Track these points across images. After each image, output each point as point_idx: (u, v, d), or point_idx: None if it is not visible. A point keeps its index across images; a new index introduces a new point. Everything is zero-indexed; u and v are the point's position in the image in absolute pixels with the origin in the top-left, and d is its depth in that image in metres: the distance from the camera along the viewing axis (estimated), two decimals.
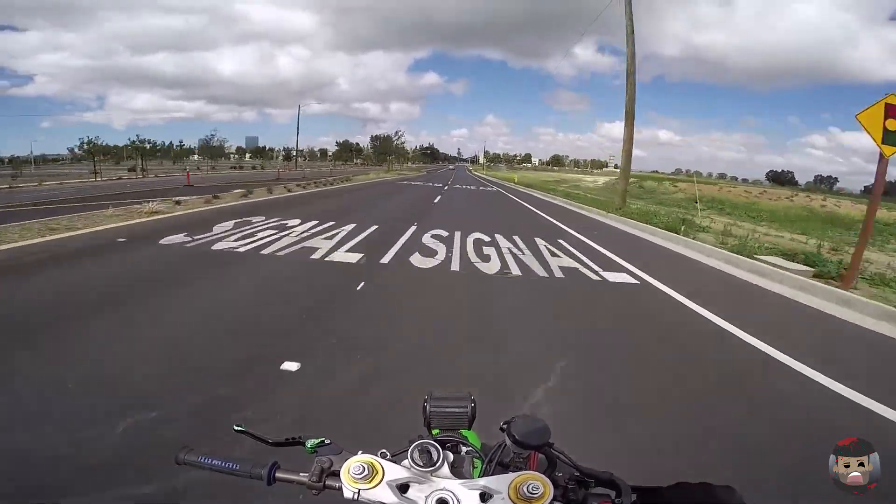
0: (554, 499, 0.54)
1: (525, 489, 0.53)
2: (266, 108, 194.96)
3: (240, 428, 0.69)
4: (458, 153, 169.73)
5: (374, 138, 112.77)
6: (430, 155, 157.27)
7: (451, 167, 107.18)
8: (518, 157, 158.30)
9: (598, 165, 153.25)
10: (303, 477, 0.61)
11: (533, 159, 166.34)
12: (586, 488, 0.61)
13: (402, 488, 0.56)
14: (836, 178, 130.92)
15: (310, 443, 0.66)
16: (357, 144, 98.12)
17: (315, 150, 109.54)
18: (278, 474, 0.63)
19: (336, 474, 0.59)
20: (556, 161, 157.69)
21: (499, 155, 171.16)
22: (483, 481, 0.55)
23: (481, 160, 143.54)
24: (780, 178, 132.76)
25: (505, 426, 0.62)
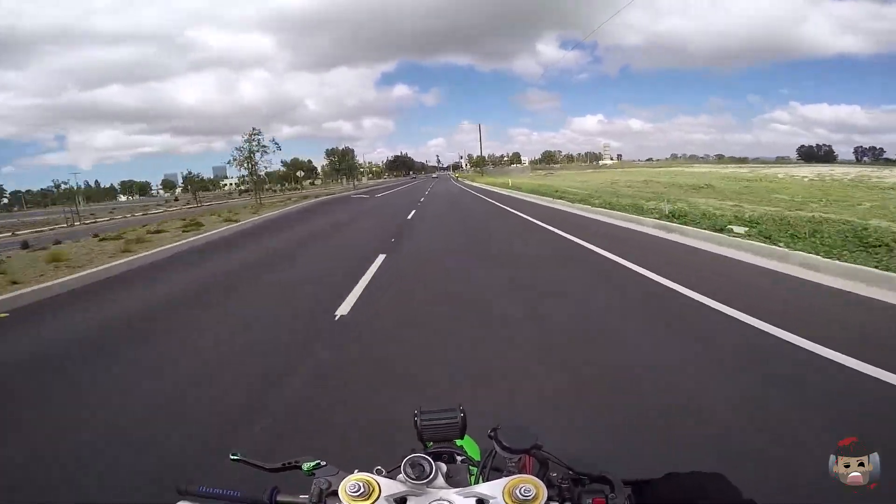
0: (549, 499, 0.59)
1: (519, 492, 0.58)
2: (235, 136, 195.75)
3: (236, 457, 0.75)
4: (438, 161, 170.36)
5: (330, 153, 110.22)
6: (399, 166, 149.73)
7: (434, 176, 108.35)
8: (506, 158, 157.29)
9: (594, 158, 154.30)
10: (303, 500, 0.68)
11: (523, 158, 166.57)
12: (580, 486, 0.65)
13: (400, 502, 0.61)
14: (881, 149, 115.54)
15: (306, 466, 0.72)
16: (309, 162, 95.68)
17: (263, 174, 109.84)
18: (279, 498, 0.70)
19: (335, 494, 0.64)
20: (550, 158, 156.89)
21: (484, 158, 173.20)
22: (478, 488, 0.61)
23: (464, 166, 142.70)
24: (813, 155, 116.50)
25: (492, 434, 0.68)
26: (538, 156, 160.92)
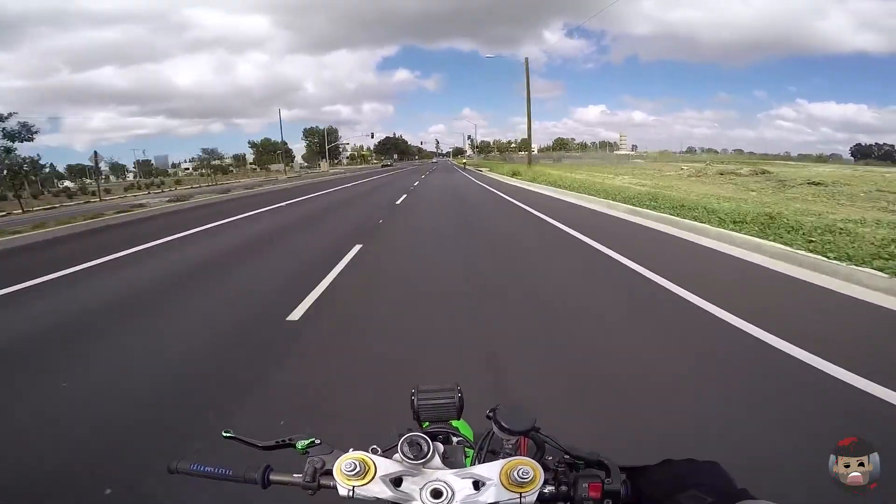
0: (545, 482, 0.62)
1: (516, 474, 0.60)
2: (233, 119, 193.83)
3: (228, 434, 0.77)
4: (437, 146, 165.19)
5: (309, 133, 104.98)
6: (388, 150, 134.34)
7: (433, 162, 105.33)
8: (512, 144, 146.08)
9: (608, 148, 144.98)
10: (296, 478, 0.70)
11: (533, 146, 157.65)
12: (576, 470, 0.68)
13: (396, 482, 0.63)
14: None
15: (300, 444, 0.74)
16: (284, 144, 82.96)
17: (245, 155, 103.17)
18: (272, 477, 0.72)
19: (329, 473, 0.66)
20: (562, 145, 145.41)
21: (488, 143, 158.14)
22: (475, 469, 0.63)
23: (468, 151, 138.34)
24: (869, 152, 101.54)
25: (491, 414, 0.70)
26: (545, 143, 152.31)
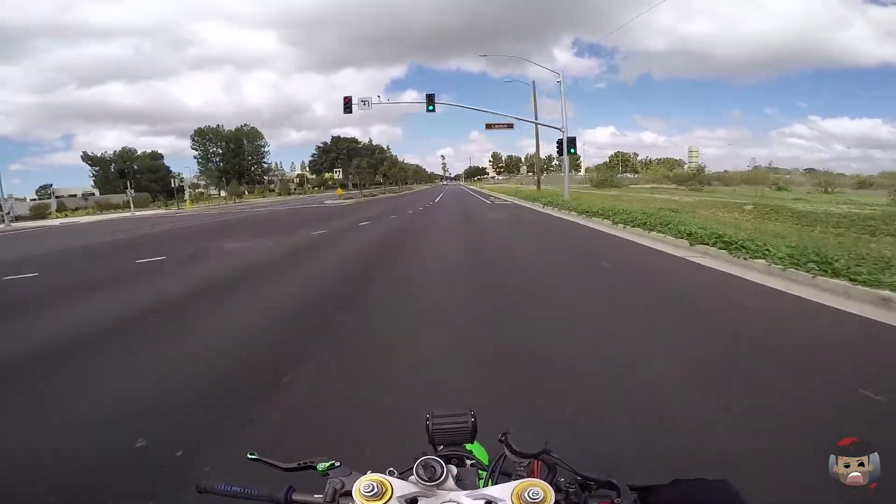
0: (556, 503, 0.67)
1: (527, 495, 0.66)
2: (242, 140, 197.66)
3: (253, 456, 0.87)
4: (444, 168, 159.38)
5: (202, 136, 64.22)
6: (332, 164, 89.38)
7: (444, 183, 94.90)
8: (520, 165, 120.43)
9: (670, 165, 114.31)
10: (317, 498, 0.78)
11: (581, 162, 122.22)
12: (588, 491, 0.75)
13: (412, 503, 0.70)
14: None
15: (320, 466, 0.82)
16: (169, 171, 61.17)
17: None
18: (294, 497, 0.80)
19: (348, 494, 0.74)
20: (625, 162, 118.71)
21: (518, 159, 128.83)
22: (487, 490, 0.70)
23: (491, 173, 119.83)
24: None
25: (503, 438, 0.77)
26: (595, 159, 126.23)
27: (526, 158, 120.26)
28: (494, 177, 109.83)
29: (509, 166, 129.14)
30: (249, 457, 0.87)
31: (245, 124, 66.60)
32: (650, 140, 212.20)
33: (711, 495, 0.64)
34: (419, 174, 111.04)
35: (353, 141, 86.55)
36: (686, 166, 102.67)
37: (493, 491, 0.68)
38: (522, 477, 0.74)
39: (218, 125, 61.34)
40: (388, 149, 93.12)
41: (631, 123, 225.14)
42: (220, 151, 55.14)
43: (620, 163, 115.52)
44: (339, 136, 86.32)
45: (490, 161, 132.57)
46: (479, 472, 0.84)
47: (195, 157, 59.14)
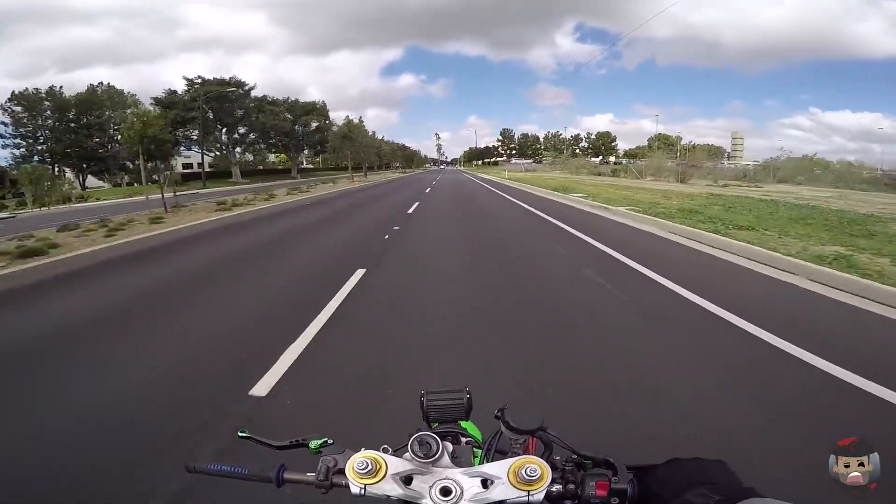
0: (553, 481, 0.69)
1: (524, 473, 0.66)
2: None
3: (244, 434, 0.87)
4: (440, 152, 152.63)
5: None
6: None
7: (441, 167, 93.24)
8: (537, 146, 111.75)
9: (707, 153, 74.62)
10: (310, 477, 0.78)
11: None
12: (584, 469, 0.75)
13: (407, 480, 0.70)
14: None
15: (313, 444, 0.83)
16: None
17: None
18: (286, 476, 0.80)
19: (342, 472, 0.74)
20: (666, 142, 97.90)
21: (536, 139, 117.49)
22: (483, 468, 0.70)
23: (502, 152, 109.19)
24: None
25: (499, 414, 0.78)
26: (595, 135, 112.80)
27: (547, 138, 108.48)
28: (519, 161, 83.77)
29: (523, 147, 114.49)
30: (240, 435, 0.87)
31: (100, 83, 44.05)
32: (649, 129, 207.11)
33: (708, 474, 0.64)
34: (405, 151, 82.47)
35: (231, 84, 50.34)
36: (726, 154, 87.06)
37: (490, 468, 0.68)
38: (518, 454, 0.75)
39: (51, 87, 41.33)
40: (324, 103, 62.08)
41: (630, 112, 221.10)
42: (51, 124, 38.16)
43: (657, 148, 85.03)
44: (203, 78, 50.47)
45: (499, 140, 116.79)
46: (475, 449, 0.85)
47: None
